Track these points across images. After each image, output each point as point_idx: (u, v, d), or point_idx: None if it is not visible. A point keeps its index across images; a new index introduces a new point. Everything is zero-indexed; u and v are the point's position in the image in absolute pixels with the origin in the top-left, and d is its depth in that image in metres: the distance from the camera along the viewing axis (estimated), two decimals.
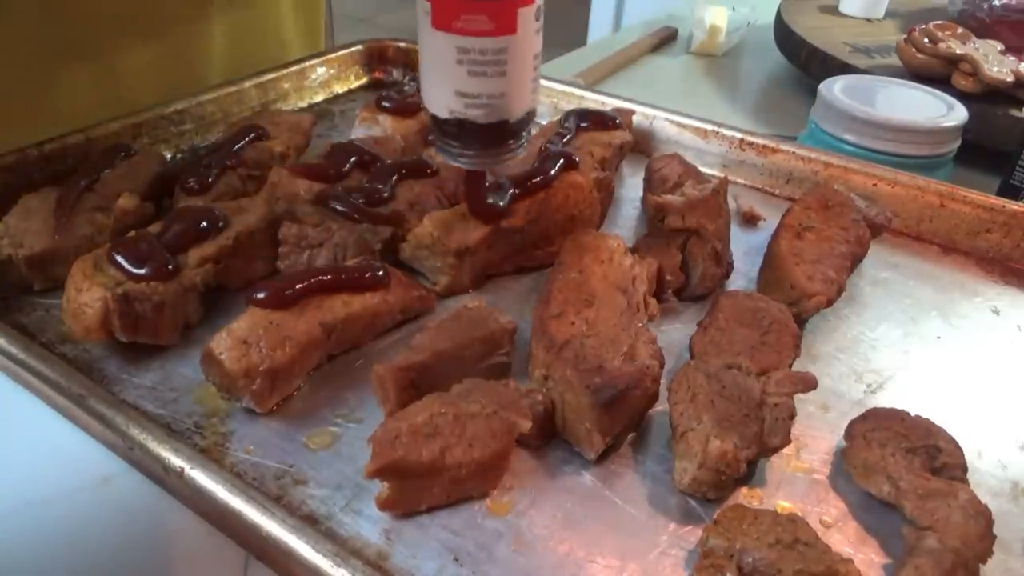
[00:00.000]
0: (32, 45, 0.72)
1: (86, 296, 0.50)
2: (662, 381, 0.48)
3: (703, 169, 0.74)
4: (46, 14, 0.72)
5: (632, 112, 0.79)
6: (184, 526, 0.43)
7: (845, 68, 0.97)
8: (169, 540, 0.42)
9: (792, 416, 0.45)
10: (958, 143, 0.79)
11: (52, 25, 0.73)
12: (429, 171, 0.65)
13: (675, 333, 0.57)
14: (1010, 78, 0.88)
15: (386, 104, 0.75)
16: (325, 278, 0.52)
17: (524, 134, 0.50)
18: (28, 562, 0.41)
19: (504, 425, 0.43)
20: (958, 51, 0.92)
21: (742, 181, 0.77)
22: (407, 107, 0.76)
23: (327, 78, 0.90)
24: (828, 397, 0.52)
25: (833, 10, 1.20)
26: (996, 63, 0.90)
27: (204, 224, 0.56)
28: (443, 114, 0.48)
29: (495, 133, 0.49)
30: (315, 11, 1.00)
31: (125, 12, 0.77)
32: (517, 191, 0.60)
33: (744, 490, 0.45)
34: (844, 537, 0.43)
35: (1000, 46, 0.95)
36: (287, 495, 0.43)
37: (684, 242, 0.60)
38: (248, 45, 0.90)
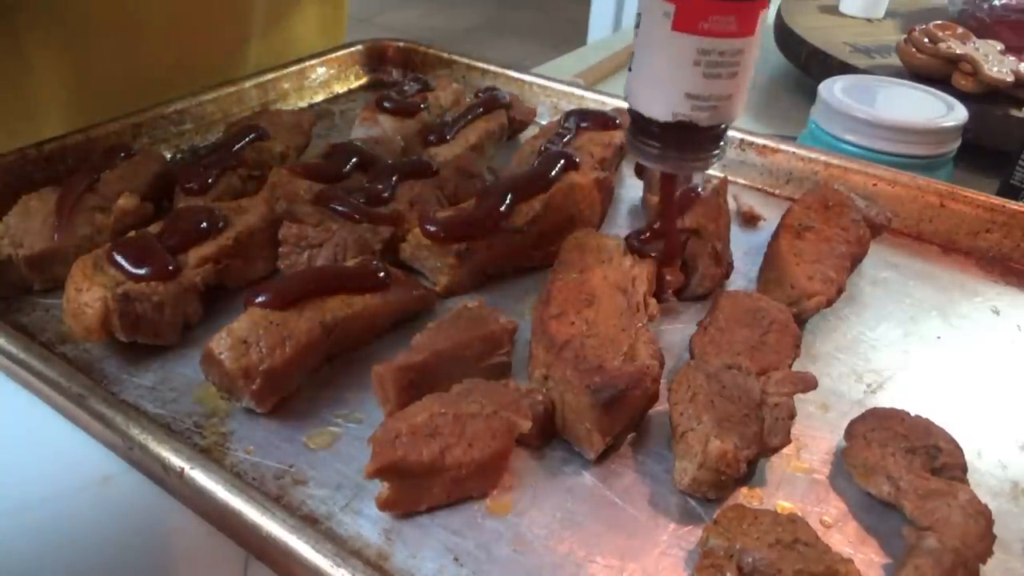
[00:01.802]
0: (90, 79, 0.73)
1: (86, 296, 0.50)
2: (662, 381, 0.48)
3: None
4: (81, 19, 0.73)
5: None
6: (184, 526, 0.43)
7: (845, 68, 0.97)
8: (169, 540, 0.42)
9: (792, 416, 0.45)
10: (958, 143, 0.79)
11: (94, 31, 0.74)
12: (429, 171, 0.66)
13: (675, 333, 0.57)
14: (1010, 78, 0.88)
15: (386, 104, 0.75)
16: (325, 278, 0.52)
17: (724, 141, 0.50)
18: (28, 562, 0.41)
19: (504, 425, 0.43)
20: (958, 51, 0.92)
21: (742, 181, 0.77)
22: (407, 107, 0.76)
23: (327, 78, 0.90)
24: (828, 397, 0.52)
25: (833, 10, 1.20)
26: (996, 63, 0.90)
27: (204, 224, 0.56)
28: (665, 117, 0.47)
29: (708, 136, 0.48)
30: (338, 6, 1.00)
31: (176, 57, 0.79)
32: (518, 191, 0.60)
33: (744, 490, 0.45)
34: (844, 537, 0.43)
35: (1000, 46, 0.95)
36: (287, 495, 0.43)
37: (684, 242, 0.60)
38: (276, 43, 0.90)
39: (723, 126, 0.49)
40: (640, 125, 0.49)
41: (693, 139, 0.48)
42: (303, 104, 0.87)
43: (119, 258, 0.52)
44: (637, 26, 0.47)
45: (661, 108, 0.47)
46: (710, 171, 0.77)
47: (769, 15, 0.47)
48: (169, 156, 0.73)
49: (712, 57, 0.45)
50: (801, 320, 0.55)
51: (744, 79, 0.47)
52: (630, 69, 0.49)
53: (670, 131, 0.48)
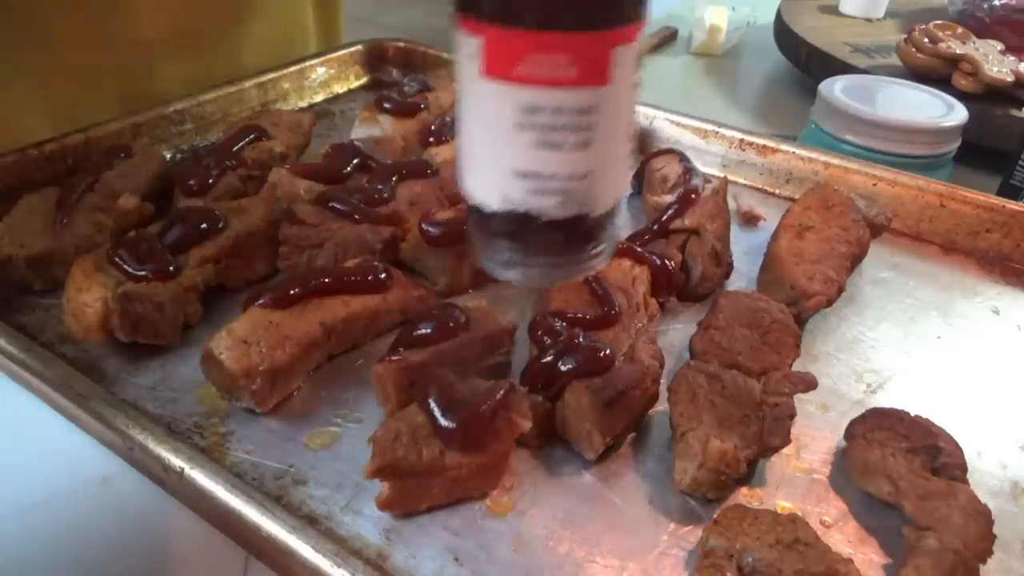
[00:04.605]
0: (67, 70, 0.73)
1: (86, 296, 0.50)
2: (662, 381, 0.48)
3: (703, 169, 0.73)
4: (80, 39, 0.72)
5: None
6: (184, 526, 0.43)
7: (845, 68, 0.97)
8: (169, 540, 0.42)
9: (792, 416, 0.45)
10: (958, 143, 0.79)
11: (89, 50, 0.73)
12: (429, 171, 0.66)
13: (675, 333, 0.57)
14: (1010, 78, 0.88)
15: (386, 104, 0.75)
16: (325, 279, 0.52)
17: (608, 232, 0.34)
18: (28, 562, 0.41)
19: (504, 425, 0.43)
20: (958, 51, 0.92)
21: (742, 181, 0.77)
22: (407, 107, 0.76)
23: (327, 78, 0.90)
24: (828, 397, 0.52)
25: (833, 10, 1.20)
26: (996, 63, 0.90)
27: (204, 224, 0.56)
28: (493, 204, 0.32)
29: (568, 232, 0.33)
30: (334, 12, 1.00)
31: (161, 33, 0.78)
32: None
33: (744, 490, 0.45)
34: (844, 537, 0.43)
35: (1000, 46, 0.95)
36: (287, 495, 0.43)
37: (684, 242, 0.60)
38: (274, 51, 0.90)
39: (596, 215, 0.33)
40: (481, 219, 0.34)
41: (548, 237, 0.33)
42: (303, 104, 0.87)
43: (119, 258, 0.52)
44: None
45: (488, 192, 0.33)
46: (710, 171, 0.77)
47: (633, 62, 0.31)
48: (169, 156, 0.73)
49: (544, 117, 0.30)
50: (801, 320, 0.55)
51: (611, 149, 0.32)
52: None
53: (510, 225, 0.33)
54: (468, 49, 0.31)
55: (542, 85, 0.30)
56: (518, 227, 0.33)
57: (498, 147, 0.31)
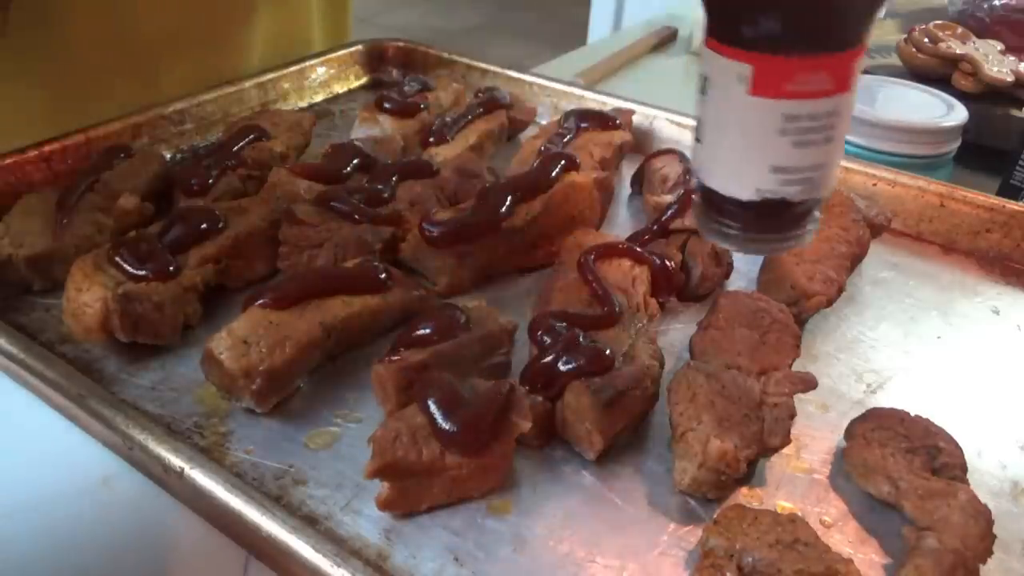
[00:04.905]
0: (82, 65, 0.73)
1: (86, 296, 0.50)
2: (662, 381, 0.48)
3: None
4: (96, 36, 0.73)
5: (632, 112, 0.79)
6: (184, 526, 0.43)
7: None
8: (169, 540, 0.42)
9: (792, 416, 0.45)
10: (958, 143, 0.79)
11: (102, 47, 0.74)
12: (429, 171, 0.66)
13: (675, 333, 0.57)
14: (1010, 78, 0.88)
15: (386, 104, 0.75)
16: (325, 279, 0.52)
17: (815, 214, 0.41)
18: (28, 562, 0.41)
19: (504, 425, 0.43)
20: (958, 51, 0.92)
21: None
22: (407, 107, 0.76)
23: (327, 78, 0.90)
24: (828, 397, 0.52)
25: None
26: (996, 63, 0.90)
27: (204, 224, 0.56)
28: (747, 195, 0.39)
29: (791, 213, 0.40)
30: (342, 10, 1.01)
31: (171, 30, 0.78)
32: (518, 192, 0.60)
33: (744, 490, 0.45)
34: (844, 537, 0.43)
35: (1000, 46, 0.95)
36: (287, 495, 0.43)
37: (684, 242, 0.60)
38: (280, 48, 0.90)
39: (820, 197, 0.41)
40: (715, 203, 0.41)
41: (780, 217, 0.40)
42: (303, 104, 0.87)
43: (119, 258, 0.52)
44: (702, 91, 0.40)
45: (742, 186, 0.40)
46: None
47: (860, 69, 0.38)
48: (169, 156, 0.73)
49: (802, 123, 0.37)
50: (801, 320, 0.55)
51: (840, 143, 0.39)
52: (698, 140, 0.42)
53: (753, 210, 0.40)
54: (734, 72, 0.37)
55: (803, 98, 0.36)
56: (752, 210, 0.40)
57: (760, 149, 0.38)
